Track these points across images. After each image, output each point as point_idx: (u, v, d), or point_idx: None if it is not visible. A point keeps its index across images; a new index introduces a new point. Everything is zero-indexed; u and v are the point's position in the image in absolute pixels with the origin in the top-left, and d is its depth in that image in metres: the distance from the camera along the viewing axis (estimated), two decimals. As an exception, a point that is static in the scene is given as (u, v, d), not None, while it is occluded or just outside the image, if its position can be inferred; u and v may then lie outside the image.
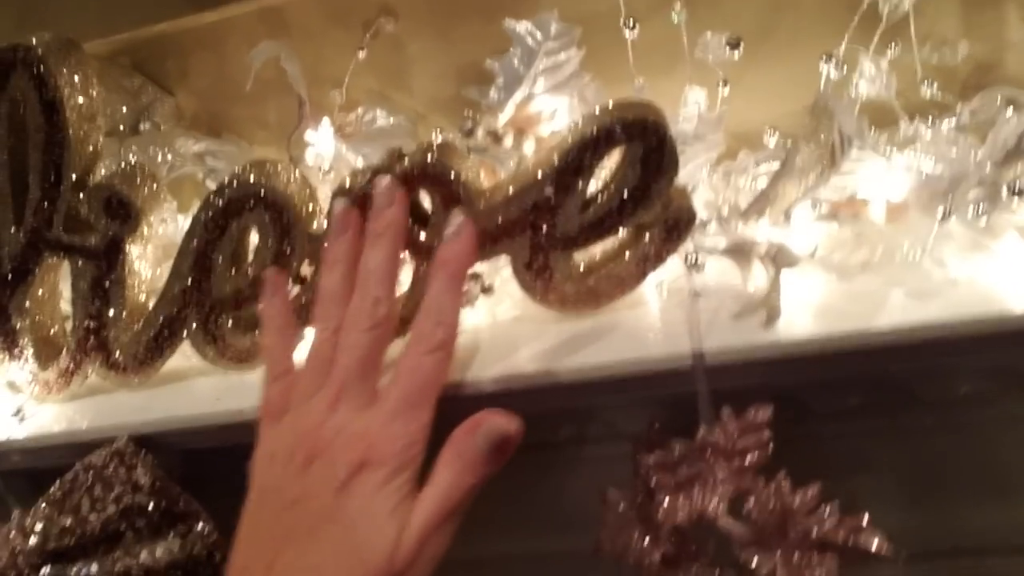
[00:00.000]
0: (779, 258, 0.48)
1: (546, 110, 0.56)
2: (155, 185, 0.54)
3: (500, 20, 0.65)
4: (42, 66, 0.50)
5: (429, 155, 0.50)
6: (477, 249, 0.50)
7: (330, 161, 0.59)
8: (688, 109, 0.57)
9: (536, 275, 0.53)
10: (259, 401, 0.49)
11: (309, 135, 0.60)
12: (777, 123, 0.66)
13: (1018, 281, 0.45)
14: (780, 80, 0.65)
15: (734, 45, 0.55)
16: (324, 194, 0.64)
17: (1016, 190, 0.44)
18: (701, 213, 0.57)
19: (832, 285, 0.50)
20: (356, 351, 0.46)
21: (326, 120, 0.60)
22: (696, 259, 0.52)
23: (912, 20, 0.58)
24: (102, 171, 0.55)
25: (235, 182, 0.52)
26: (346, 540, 0.40)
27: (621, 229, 0.51)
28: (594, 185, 0.51)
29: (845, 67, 0.56)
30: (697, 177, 0.57)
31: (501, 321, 0.57)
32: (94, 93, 0.52)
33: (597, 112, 0.49)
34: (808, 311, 0.48)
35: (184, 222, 0.68)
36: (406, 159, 0.51)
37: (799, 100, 0.64)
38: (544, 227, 0.51)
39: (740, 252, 0.53)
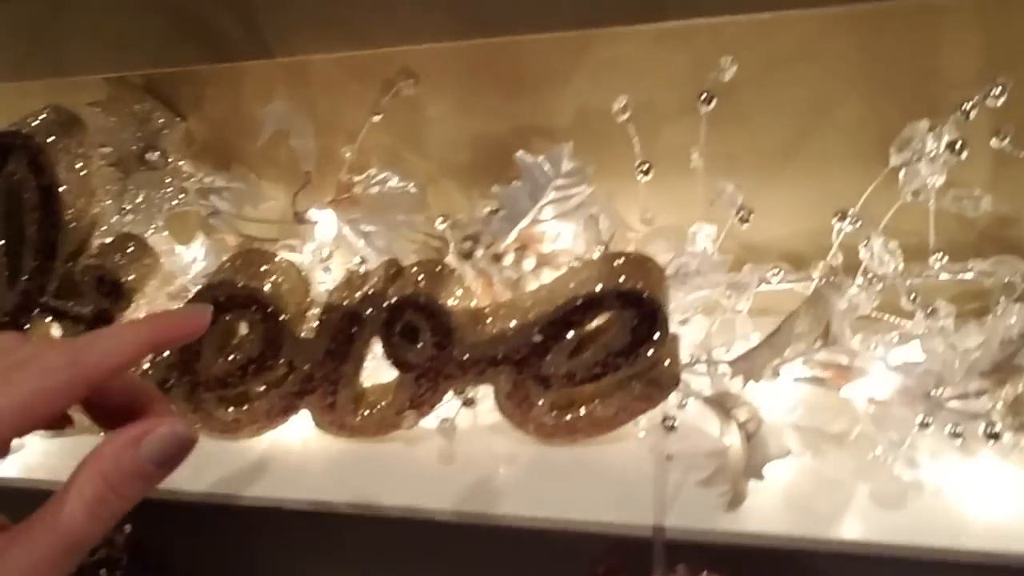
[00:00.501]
0: (756, 444, 0.48)
1: (550, 231, 0.55)
2: (149, 260, 0.54)
3: (520, 98, 0.63)
4: (39, 153, 0.50)
5: (419, 285, 0.50)
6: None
7: (330, 247, 0.59)
8: (695, 245, 0.56)
9: (516, 405, 0.54)
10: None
11: (312, 213, 0.59)
12: (788, 241, 0.65)
13: (982, 504, 0.45)
14: (797, 201, 0.63)
15: (737, 191, 0.54)
16: (326, 279, 0.64)
17: (990, 431, 0.44)
18: (690, 349, 0.57)
19: (803, 463, 0.51)
20: None
21: (330, 213, 0.59)
22: (673, 423, 0.52)
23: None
24: (98, 239, 0.55)
25: (224, 283, 0.52)
26: None
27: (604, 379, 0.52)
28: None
29: (860, 223, 0.54)
30: (692, 311, 0.57)
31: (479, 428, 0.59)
32: (92, 167, 0.52)
33: (596, 270, 0.49)
34: (775, 496, 0.49)
35: (184, 252, 0.69)
36: (393, 290, 0.51)
37: (812, 222, 0.63)
38: (529, 367, 0.51)
39: (721, 407, 0.53)
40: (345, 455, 0.59)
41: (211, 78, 0.69)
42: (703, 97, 0.51)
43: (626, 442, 0.55)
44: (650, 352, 0.49)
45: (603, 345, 0.50)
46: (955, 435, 0.46)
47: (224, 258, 0.62)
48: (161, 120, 0.69)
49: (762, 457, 0.47)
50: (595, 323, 0.50)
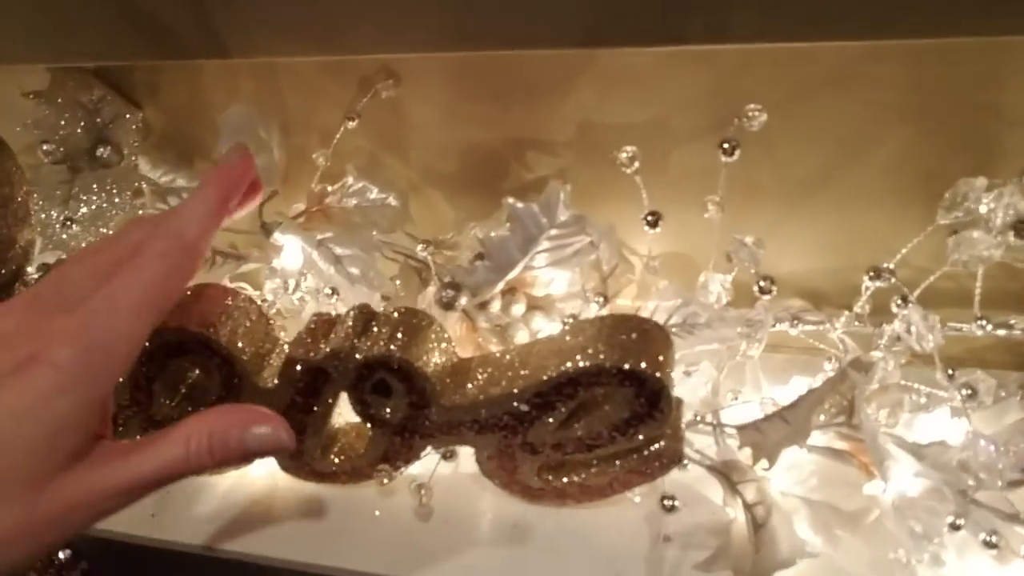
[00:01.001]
0: (765, 540, 0.43)
1: (543, 277, 0.49)
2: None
3: (516, 105, 0.56)
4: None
5: (393, 346, 0.44)
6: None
7: (296, 276, 0.52)
8: (706, 296, 0.50)
9: (500, 467, 0.49)
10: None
11: (278, 236, 0.53)
12: (808, 278, 0.58)
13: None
14: (820, 237, 0.56)
15: (759, 245, 0.47)
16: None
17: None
18: (695, 405, 0.51)
19: (812, 549, 0.46)
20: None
21: (293, 239, 0.52)
22: (673, 503, 0.47)
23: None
24: (33, 265, 0.49)
25: (174, 328, 0.46)
26: None
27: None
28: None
29: (893, 278, 0.48)
30: (699, 364, 0.51)
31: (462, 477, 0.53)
32: (24, 193, 0.45)
33: (593, 338, 0.42)
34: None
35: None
36: (363, 346, 0.44)
37: (836, 260, 0.57)
38: (514, 433, 0.46)
39: (727, 479, 0.48)
40: (313, 501, 0.54)
41: (169, 63, 0.61)
42: (726, 147, 0.43)
43: (620, 507, 0.50)
44: (648, 431, 0.44)
45: (597, 418, 0.45)
46: (989, 545, 0.41)
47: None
48: (113, 110, 0.61)
49: (770, 559, 0.42)
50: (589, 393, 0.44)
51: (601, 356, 0.42)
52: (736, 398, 0.55)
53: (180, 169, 0.62)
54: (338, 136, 0.58)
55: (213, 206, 0.36)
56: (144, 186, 0.60)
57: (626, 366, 0.41)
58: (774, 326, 0.55)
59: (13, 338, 0.31)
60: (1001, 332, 0.50)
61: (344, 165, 0.59)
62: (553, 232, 0.46)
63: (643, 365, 0.41)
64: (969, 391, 0.44)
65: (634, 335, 0.42)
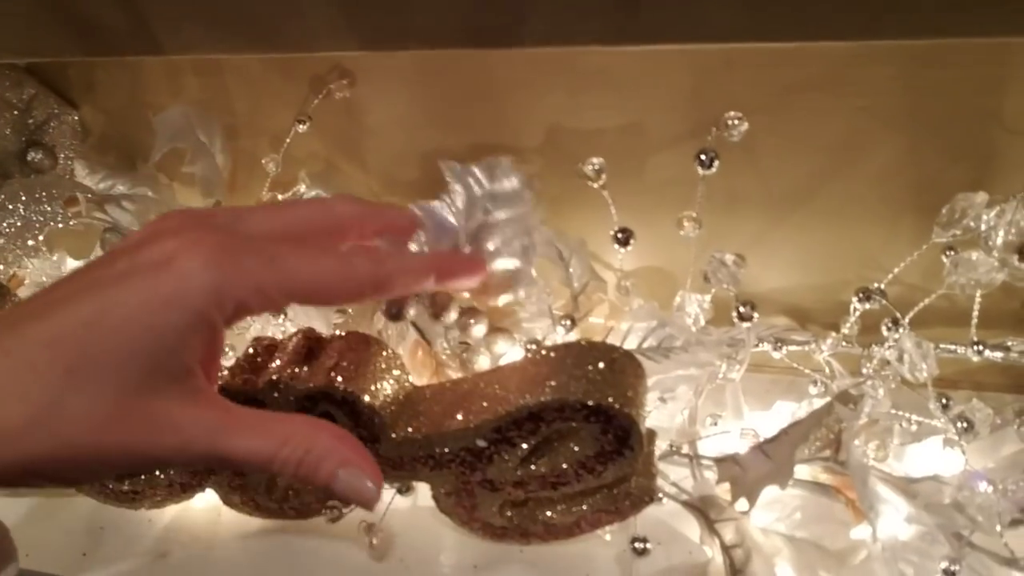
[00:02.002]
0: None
1: (498, 273, 0.44)
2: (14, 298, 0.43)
3: (481, 108, 0.52)
4: None
5: (337, 376, 0.40)
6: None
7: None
8: (682, 316, 0.46)
9: (458, 503, 0.45)
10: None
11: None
12: (792, 294, 0.55)
13: None
14: (806, 251, 0.53)
15: (740, 264, 0.43)
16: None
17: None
18: (671, 434, 0.48)
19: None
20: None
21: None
22: (644, 546, 0.43)
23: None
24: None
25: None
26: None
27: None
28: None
29: (883, 300, 0.44)
30: (676, 390, 0.47)
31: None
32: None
33: (559, 370, 0.38)
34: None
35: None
36: (306, 375, 0.40)
37: (823, 275, 0.54)
38: (473, 470, 0.42)
39: (703, 515, 0.44)
40: (259, 539, 0.50)
41: (106, 60, 0.56)
42: (703, 158, 0.39)
43: (588, 546, 0.46)
44: (619, 468, 0.40)
45: (562, 454, 0.41)
46: (985, 593, 0.38)
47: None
48: (46, 110, 0.57)
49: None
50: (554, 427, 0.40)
51: (565, 390, 0.38)
52: (715, 423, 0.51)
53: (120, 174, 0.57)
54: (288, 140, 0.53)
55: (426, 271, 0.33)
56: (79, 194, 0.55)
57: (591, 402, 0.37)
58: (757, 346, 0.52)
59: (164, 235, 0.28)
60: (998, 356, 0.46)
61: (297, 172, 0.54)
62: (495, 189, 0.40)
63: (610, 400, 0.37)
64: (965, 424, 0.40)
65: (601, 365, 0.38)
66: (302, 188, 0.54)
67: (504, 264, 0.39)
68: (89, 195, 0.55)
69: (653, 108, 0.49)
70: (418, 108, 0.53)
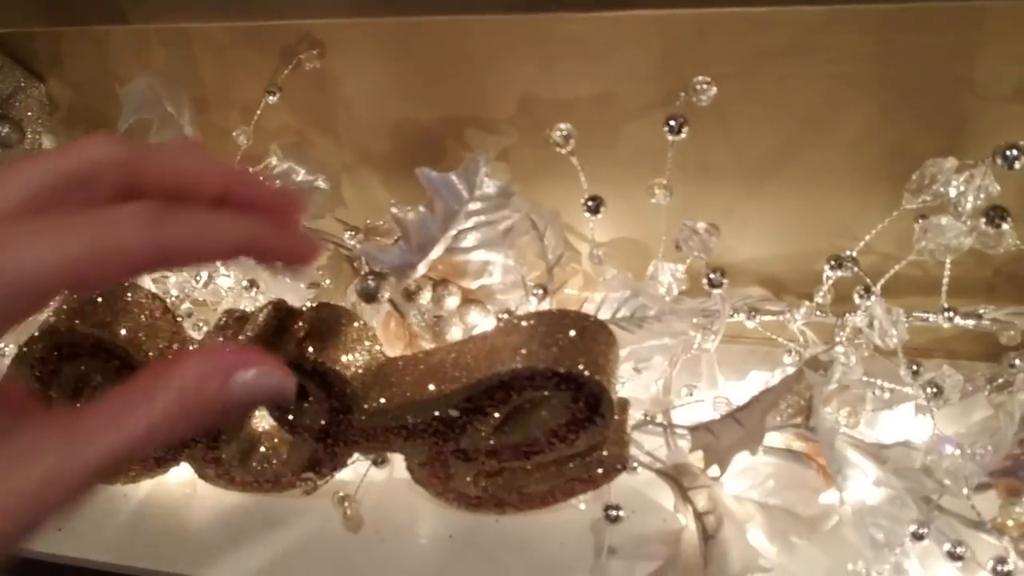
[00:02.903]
0: (715, 553, 0.40)
1: (475, 262, 0.45)
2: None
3: (453, 79, 0.52)
4: None
5: (308, 347, 0.40)
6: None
7: (209, 268, 0.48)
8: (655, 286, 0.46)
9: (432, 474, 0.45)
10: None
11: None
12: (768, 264, 0.55)
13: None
14: (779, 220, 0.53)
15: (712, 232, 0.43)
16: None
17: (1000, 569, 0.35)
18: (645, 404, 0.48)
19: (769, 559, 0.43)
20: None
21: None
22: (617, 513, 0.43)
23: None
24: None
25: (65, 329, 0.41)
26: None
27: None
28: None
29: (855, 268, 0.44)
30: (650, 360, 0.47)
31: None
32: None
33: (530, 338, 0.38)
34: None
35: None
36: (277, 347, 0.40)
37: (797, 245, 0.53)
38: (446, 440, 0.42)
39: (677, 483, 0.45)
40: (235, 512, 0.50)
41: (71, 30, 0.55)
42: (672, 124, 0.39)
43: (563, 515, 0.47)
44: (591, 436, 0.40)
45: (534, 423, 0.41)
46: (954, 556, 0.38)
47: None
48: (12, 82, 0.56)
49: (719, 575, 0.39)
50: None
51: (535, 357, 0.38)
52: (691, 393, 0.51)
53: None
54: (259, 112, 0.53)
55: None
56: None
57: (561, 369, 0.37)
58: (731, 316, 0.52)
59: None
60: (969, 323, 0.46)
61: (268, 144, 0.54)
62: (475, 206, 0.41)
63: (580, 368, 0.37)
64: (934, 389, 0.41)
65: (572, 333, 0.38)
66: (273, 161, 0.53)
67: (482, 256, 0.39)
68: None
69: (626, 77, 0.49)
70: (390, 79, 0.53)
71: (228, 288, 0.53)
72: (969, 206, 0.38)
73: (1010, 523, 0.37)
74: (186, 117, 0.50)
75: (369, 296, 0.42)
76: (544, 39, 0.48)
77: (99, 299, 0.43)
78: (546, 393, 0.39)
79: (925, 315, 0.48)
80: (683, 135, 0.41)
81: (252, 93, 0.53)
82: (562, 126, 0.42)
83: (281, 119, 0.55)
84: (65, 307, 0.42)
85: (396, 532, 0.47)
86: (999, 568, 0.36)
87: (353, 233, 0.50)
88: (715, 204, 0.52)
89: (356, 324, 0.42)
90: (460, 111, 0.53)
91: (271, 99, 0.51)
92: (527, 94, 0.51)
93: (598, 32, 0.48)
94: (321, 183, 0.53)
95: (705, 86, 0.40)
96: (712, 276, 0.43)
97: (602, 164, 0.50)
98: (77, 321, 0.42)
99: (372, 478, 0.49)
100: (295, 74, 0.52)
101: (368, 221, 0.53)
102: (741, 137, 0.49)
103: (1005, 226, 0.37)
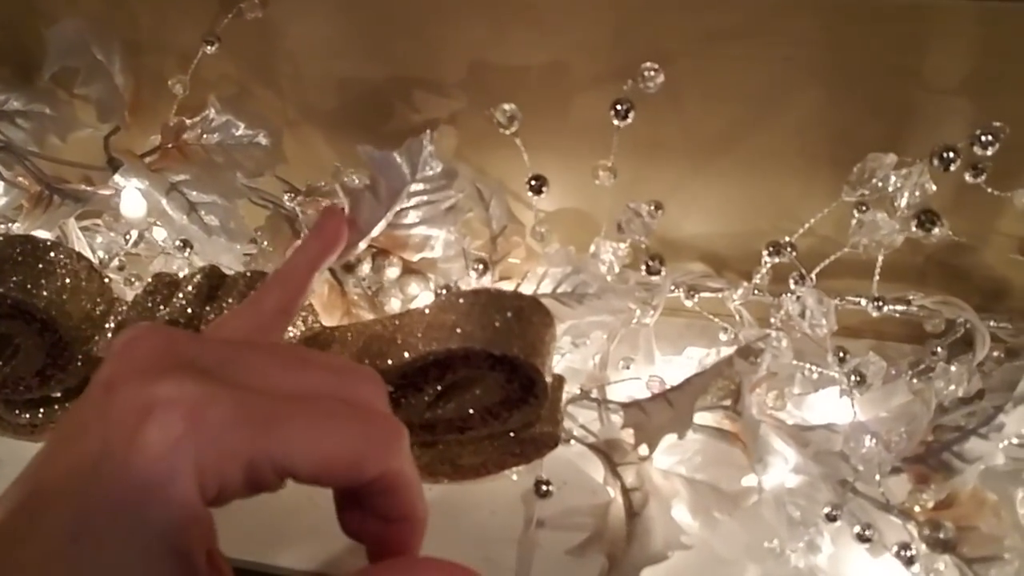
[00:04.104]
0: (638, 531, 0.41)
1: (416, 237, 0.44)
2: None
3: (402, 39, 0.50)
4: None
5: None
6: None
7: (140, 224, 0.46)
8: (596, 263, 0.46)
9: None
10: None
11: (118, 179, 0.46)
12: (709, 241, 0.55)
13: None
14: (724, 199, 0.53)
15: (656, 208, 0.43)
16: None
17: (905, 555, 0.37)
18: (581, 378, 0.49)
19: (691, 534, 0.44)
20: None
21: (136, 183, 0.45)
22: (548, 487, 0.44)
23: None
24: None
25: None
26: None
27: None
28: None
29: (793, 253, 0.45)
30: (589, 337, 0.48)
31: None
32: None
33: (465, 317, 0.38)
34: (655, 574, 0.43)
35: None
36: (208, 312, 0.39)
37: (739, 223, 0.54)
38: (379, 413, 0.42)
39: (608, 458, 0.46)
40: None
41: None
42: (619, 108, 0.39)
43: (495, 484, 0.47)
44: (524, 415, 0.40)
45: (468, 400, 0.41)
46: (863, 538, 0.40)
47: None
48: (-71, 15, 0.52)
49: (642, 552, 0.40)
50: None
51: (471, 338, 0.38)
52: (628, 367, 0.52)
53: (13, 88, 0.54)
54: (196, 61, 0.50)
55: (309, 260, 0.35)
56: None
57: (496, 352, 0.37)
58: (672, 291, 0.52)
59: (131, 380, 0.22)
60: (898, 310, 0.48)
61: (206, 95, 0.52)
62: (418, 187, 0.41)
63: (515, 351, 0.37)
64: (858, 377, 0.42)
65: (508, 315, 0.38)
66: (212, 113, 0.51)
67: (424, 231, 0.39)
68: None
69: (578, 49, 0.48)
70: (337, 34, 0.51)
71: (162, 240, 0.51)
72: (904, 202, 0.39)
73: (916, 509, 0.39)
74: (117, 64, 0.47)
75: (306, 268, 0.41)
76: (495, 4, 0.47)
77: (19, 258, 0.41)
78: (480, 372, 0.39)
79: (857, 299, 0.49)
80: (630, 120, 0.40)
81: (189, 39, 0.51)
82: (506, 106, 0.42)
83: (221, 68, 0.53)
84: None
85: (329, 498, 0.47)
86: (903, 553, 0.38)
87: (292, 196, 0.48)
88: (662, 180, 0.52)
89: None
90: (409, 72, 0.51)
91: (209, 49, 0.49)
92: (478, 59, 0.50)
93: (551, 1, 0.46)
94: (262, 139, 0.52)
95: (653, 73, 0.39)
96: (651, 264, 0.43)
97: (550, 133, 0.50)
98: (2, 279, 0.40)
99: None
100: (235, 23, 0.50)
101: (309, 182, 0.52)
102: (691, 115, 0.49)
103: (936, 231, 0.38)
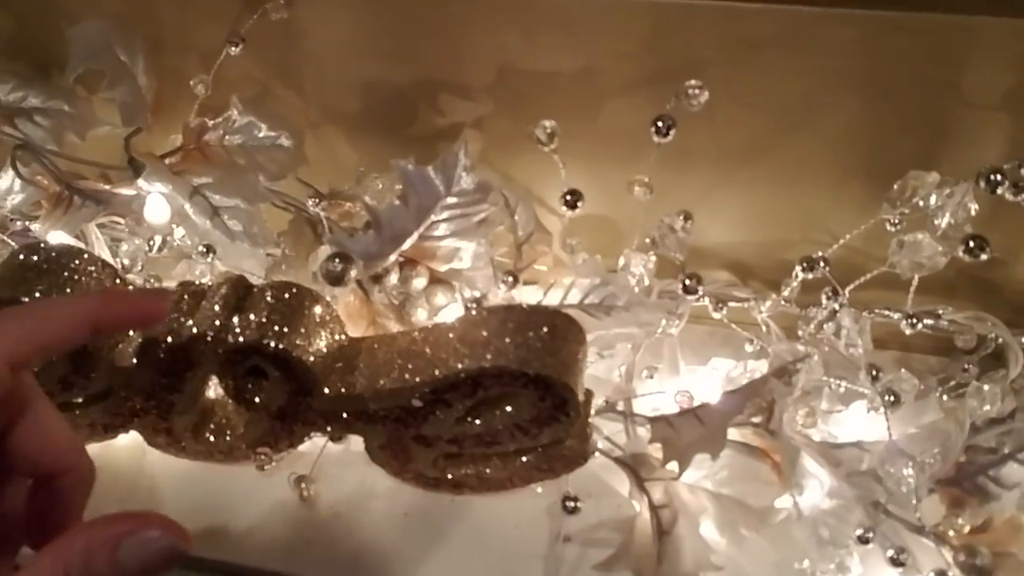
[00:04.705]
0: (668, 549, 0.40)
1: (445, 248, 0.43)
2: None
3: (429, 41, 0.49)
4: None
5: (268, 330, 0.38)
6: None
7: (164, 229, 0.45)
8: (626, 276, 0.46)
9: (392, 456, 0.44)
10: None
11: (142, 183, 0.45)
12: (735, 249, 0.55)
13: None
14: (752, 208, 0.52)
15: (686, 219, 0.43)
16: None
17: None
18: (606, 390, 0.48)
19: (718, 552, 0.44)
20: None
21: (161, 188, 0.45)
22: (576, 504, 0.44)
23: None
24: None
25: (4, 296, 0.39)
26: None
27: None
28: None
29: (827, 270, 0.44)
30: (614, 348, 0.47)
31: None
32: None
33: (497, 334, 0.38)
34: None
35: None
36: (236, 326, 0.39)
37: (766, 233, 0.53)
38: (407, 427, 0.41)
39: (634, 473, 0.45)
40: (186, 480, 0.49)
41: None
42: (660, 125, 0.38)
43: (519, 497, 0.47)
44: (554, 432, 0.40)
45: (498, 416, 0.40)
46: (896, 562, 0.39)
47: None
48: (-54, 9, 0.51)
49: (673, 573, 0.40)
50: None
51: (506, 356, 0.37)
52: (651, 376, 0.51)
53: (32, 85, 0.53)
54: (219, 61, 0.49)
55: (76, 318, 0.28)
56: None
57: (530, 371, 0.36)
58: (697, 301, 0.52)
59: None
60: (929, 323, 0.47)
61: (228, 96, 0.51)
62: (452, 200, 0.40)
63: (550, 371, 0.37)
64: (891, 396, 0.41)
65: (543, 331, 0.38)
66: (234, 114, 0.50)
67: (453, 243, 0.38)
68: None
69: (609, 54, 0.47)
70: (362, 35, 0.50)
71: (180, 239, 0.50)
72: (945, 222, 0.38)
73: (951, 533, 0.39)
74: (140, 65, 0.46)
75: (335, 280, 0.40)
76: (526, 8, 0.46)
77: (44, 265, 0.40)
78: (512, 389, 0.38)
79: (888, 313, 0.49)
80: (670, 137, 0.40)
81: (212, 38, 0.50)
82: (546, 123, 0.41)
83: (243, 68, 0.52)
84: (3, 275, 0.40)
85: (351, 508, 0.47)
86: (937, 579, 0.38)
87: (316, 200, 0.48)
88: (690, 188, 0.51)
89: (319, 306, 0.40)
90: (435, 74, 0.50)
91: (233, 50, 0.48)
92: (506, 63, 0.49)
93: (583, 5, 0.45)
94: (284, 140, 0.51)
95: (697, 91, 0.38)
96: (688, 283, 0.42)
97: (578, 140, 0.49)
98: (17, 290, 0.39)
99: (327, 451, 0.48)
100: (259, 22, 0.49)
101: (332, 185, 0.51)
102: (722, 124, 0.48)
103: (984, 256, 0.37)
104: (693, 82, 0.39)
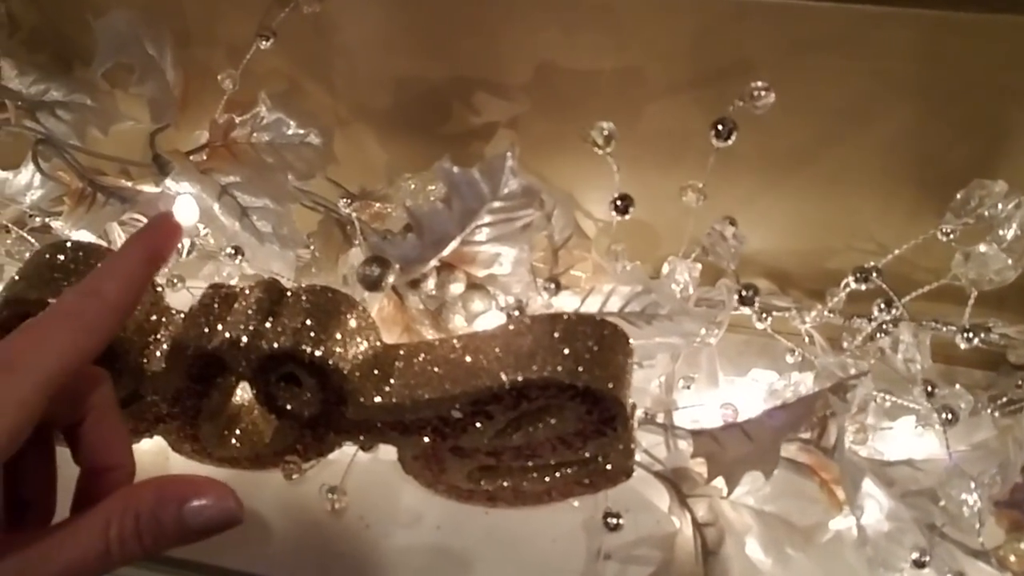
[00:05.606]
0: (713, 571, 0.39)
1: (485, 254, 0.42)
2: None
3: (465, 37, 0.48)
4: None
5: (303, 337, 0.37)
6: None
7: (192, 231, 0.44)
8: (669, 284, 0.44)
9: (425, 467, 0.43)
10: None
11: (169, 183, 0.43)
12: (777, 257, 0.53)
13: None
14: (796, 215, 0.51)
15: (740, 239, 0.41)
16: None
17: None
18: (646, 402, 0.46)
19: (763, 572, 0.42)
20: None
21: (189, 189, 0.43)
22: (617, 521, 0.42)
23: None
24: None
25: (20, 300, 0.38)
26: None
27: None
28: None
29: (880, 281, 0.43)
30: (655, 358, 0.46)
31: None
32: None
33: (542, 344, 0.36)
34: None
35: (12, 179, 0.53)
36: (269, 333, 0.37)
37: (808, 242, 0.52)
38: (443, 438, 0.40)
39: (676, 488, 0.44)
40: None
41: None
42: (720, 128, 0.36)
43: (555, 511, 0.45)
44: (599, 446, 0.38)
45: (541, 428, 0.39)
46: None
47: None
48: (-33, -2, 0.50)
49: None
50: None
51: (553, 368, 0.35)
52: (688, 386, 0.50)
53: (54, 78, 0.51)
54: (248, 56, 0.48)
55: (135, 263, 0.31)
56: (6, 100, 0.49)
57: (580, 384, 0.35)
58: (736, 309, 0.50)
59: None
60: (981, 336, 0.45)
61: (256, 91, 0.49)
62: (496, 204, 0.39)
63: (601, 384, 0.35)
64: (948, 414, 0.40)
65: (591, 343, 0.36)
66: (262, 111, 0.49)
67: (494, 248, 0.37)
68: (19, 102, 0.49)
69: (653, 53, 0.45)
70: (396, 30, 0.48)
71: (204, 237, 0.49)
72: (1011, 234, 0.37)
73: (1013, 558, 0.37)
74: (168, 58, 0.45)
75: (372, 285, 0.39)
76: (569, 4, 0.45)
77: (71, 265, 0.39)
78: (558, 402, 0.37)
79: (938, 326, 0.47)
80: (731, 141, 0.38)
81: (240, 31, 0.48)
82: (604, 124, 0.39)
83: (271, 63, 0.50)
84: (29, 274, 0.38)
85: (381, 519, 0.46)
86: (1002, 609, 0.36)
87: (348, 201, 0.46)
88: (732, 193, 0.50)
89: (355, 312, 0.39)
90: (470, 72, 0.49)
91: (264, 44, 0.47)
92: (545, 61, 0.47)
93: (627, 3, 0.44)
94: (313, 138, 0.49)
95: (764, 93, 0.37)
96: (745, 294, 0.41)
97: (619, 142, 0.47)
98: (44, 291, 0.38)
99: (358, 460, 0.47)
100: (291, 17, 0.47)
101: (362, 185, 0.49)
102: (768, 128, 0.46)
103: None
104: (759, 83, 0.37)
